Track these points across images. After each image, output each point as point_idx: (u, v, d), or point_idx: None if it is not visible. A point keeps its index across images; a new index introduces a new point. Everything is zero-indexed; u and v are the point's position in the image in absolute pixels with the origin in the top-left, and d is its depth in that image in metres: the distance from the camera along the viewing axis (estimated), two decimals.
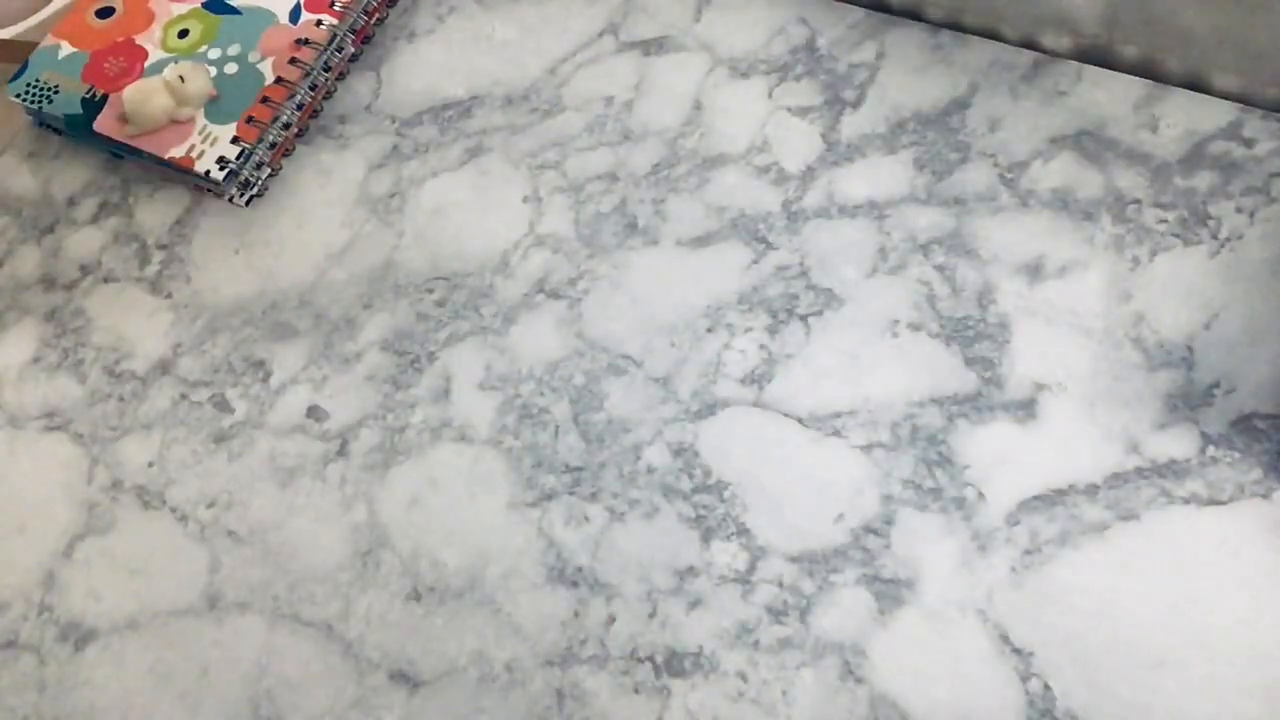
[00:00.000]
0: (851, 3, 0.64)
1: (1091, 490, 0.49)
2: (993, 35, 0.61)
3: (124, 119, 0.64)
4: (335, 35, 0.66)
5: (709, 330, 0.56)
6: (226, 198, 0.65)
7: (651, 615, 0.51)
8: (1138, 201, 0.54)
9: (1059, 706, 0.45)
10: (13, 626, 0.56)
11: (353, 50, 0.68)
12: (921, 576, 0.48)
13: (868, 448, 0.52)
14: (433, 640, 0.52)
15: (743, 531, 0.51)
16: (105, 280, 0.65)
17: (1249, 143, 0.54)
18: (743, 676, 0.49)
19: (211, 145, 0.63)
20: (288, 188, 0.65)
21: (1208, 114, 0.56)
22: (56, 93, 0.66)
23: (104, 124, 0.64)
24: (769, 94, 0.61)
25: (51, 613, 0.56)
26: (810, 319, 0.56)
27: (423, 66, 0.68)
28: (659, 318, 0.58)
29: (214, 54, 0.66)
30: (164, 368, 0.61)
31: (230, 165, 0.62)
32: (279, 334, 0.61)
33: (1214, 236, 0.53)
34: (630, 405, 0.55)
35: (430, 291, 0.60)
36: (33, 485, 0.60)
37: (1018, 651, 0.46)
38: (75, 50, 0.67)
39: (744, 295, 0.57)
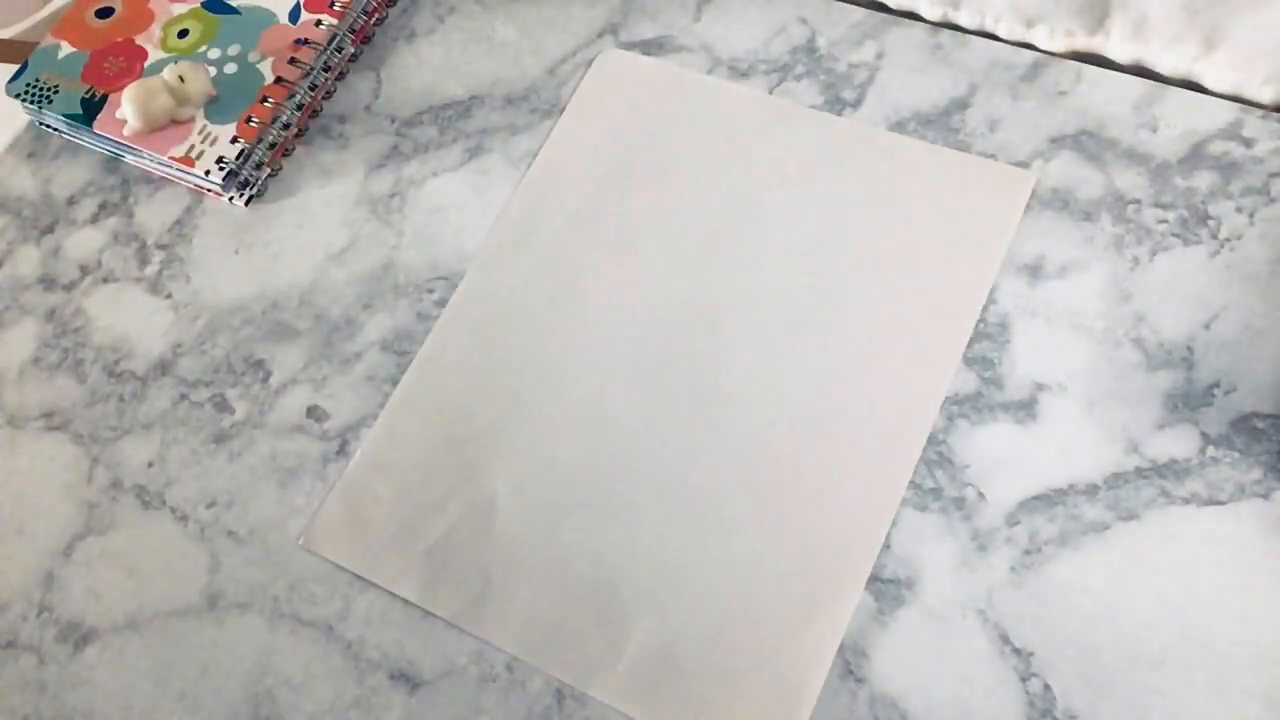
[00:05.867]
0: (851, 3, 0.64)
1: (1091, 490, 0.49)
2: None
3: (124, 119, 0.64)
4: (335, 35, 0.66)
5: None
6: (226, 198, 0.65)
7: None
8: (1138, 201, 0.54)
9: (1059, 706, 0.45)
10: (13, 626, 0.56)
11: (352, 50, 0.68)
12: (921, 576, 0.48)
13: None
14: (433, 640, 0.52)
15: None
16: (105, 280, 0.65)
17: (1249, 143, 0.54)
18: None
19: (211, 145, 0.63)
20: (288, 188, 0.65)
21: (1208, 114, 0.56)
22: (56, 93, 0.66)
23: (104, 124, 0.65)
24: (769, 94, 0.61)
25: (51, 613, 0.56)
26: None
27: (423, 66, 0.68)
28: None
29: (214, 54, 0.66)
30: (164, 368, 0.61)
31: (230, 165, 0.62)
32: (279, 334, 0.61)
33: (1214, 236, 0.53)
34: None
35: (430, 291, 0.60)
36: (33, 485, 0.60)
37: (1018, 651, 0.46)
38: (75, 50, 0.67)
39: None
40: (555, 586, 0.51)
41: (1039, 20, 0.59)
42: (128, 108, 0.63)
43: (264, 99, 0.64)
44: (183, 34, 0.67)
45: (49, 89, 0.66)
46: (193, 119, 0.64)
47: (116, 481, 0.59)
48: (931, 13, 0.62)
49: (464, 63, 0.67)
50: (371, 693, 0.51)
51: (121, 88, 0.65)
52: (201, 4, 0.68)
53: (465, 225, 0.62)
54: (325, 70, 0.66)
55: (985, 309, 0.53)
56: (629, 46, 0.65)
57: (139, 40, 0.67)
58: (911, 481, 0.50)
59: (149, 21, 0.68)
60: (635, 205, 0.59)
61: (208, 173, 0.62)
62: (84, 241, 0.67)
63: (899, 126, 0.59)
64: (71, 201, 0.68)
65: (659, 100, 0.62)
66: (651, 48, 0.65)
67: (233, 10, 0.67)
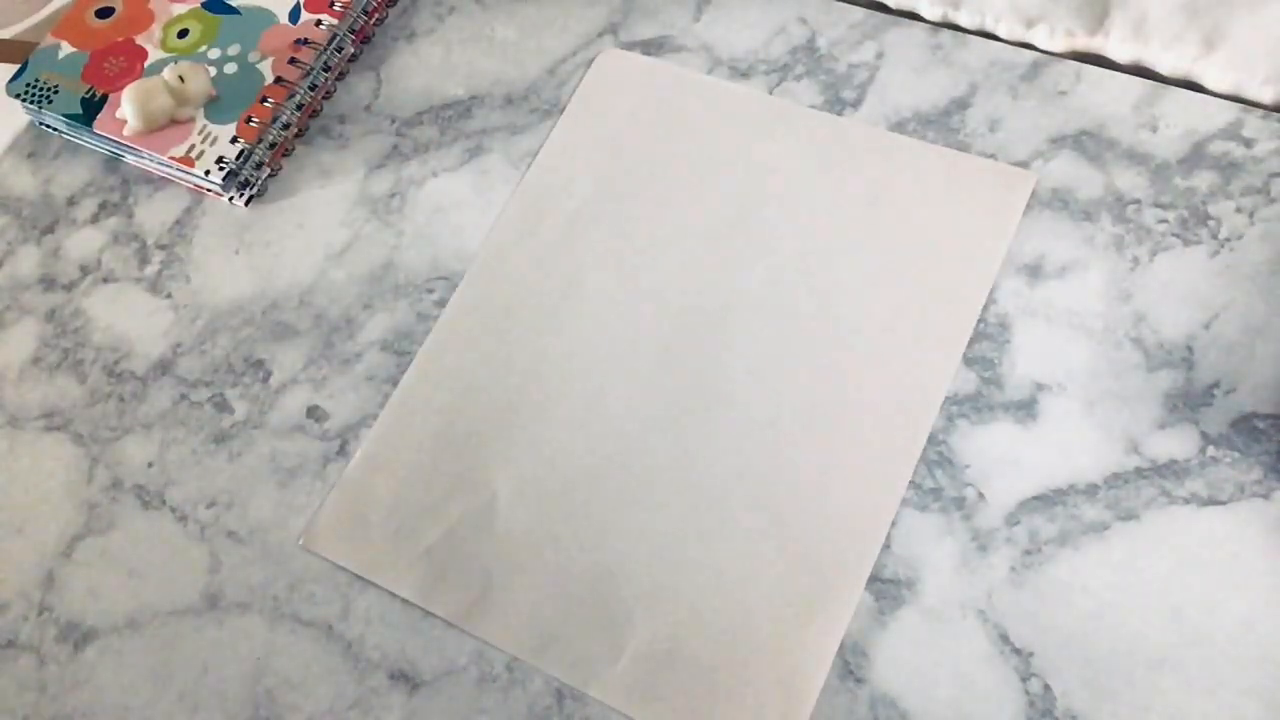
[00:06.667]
0: (851, 3, 0.64)
1: (1091, 490, 0.49)
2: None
3: (124, 119, 0.64)
4: (335, 35, 0.66)
5: None
6: (226, 198, 0.65)
7: None
8: (1138, 201, 0.54)
9: (1059, 706, 0.45)
10: (13, 626, 0.56)
11: (352, 50, 0.68)
12: (921, 576, 0.48)
13: None
14: (433, 640, 0.52)
15: None
16: (105, 280, 0.65)
17: (1249, 143, 0.54)
18: None
19: (211, 145, 0.63)
20: (288, 188, 0.66)
21: (1208, 114, 0.56)
22: (56, 93, 0.66)
23: (104, 124, 0.65)
24: (769, 94, 0.61)
25: (51, 613, 0.56)
26: None
27: (423, 66, 0.68)
28: None
29: (214, 54, 0.66)
30: (164, 368, 0.61)
31: (230, 165, 0.62)
32: (279, 334, 0.61)
33: (1214, 236, 0.53)
34: None
35: (430, 291, 0.60)
36: (33, 485, 0.60)
37: (1018, 651, 0.46)
38: (75, 50, 0.67)
39: None
40: (555, 586, 0.51)
41: (1039, 20, 0.59)
42: (128, 108, 0.63)
43: (264, 99, 0.64)
44: (183, 34, 0.67)
45: (49, 89, 0.66)
46: (193, 119, 0.64)
47: (116, 481, 0.59)
48: (931, 13, 0.62)
49: (464, 63, 0.67)
50: (371, 693, 0.51)
51: (121, 88, 0.65)
52: (201, 4, 0.68)
53: (465, 225, 0.62)
54: (325, 70, 0.67)
55: (985, 309, 0.53)
56: (629, 46, 0.65)
57: (139, 40, 0.67)
58: (911, 481, 0.50)
59: (149, 21, 0.68)
60: (635, 205, 0.59)
61: (208, 173, 0.62)
62: (84, 241, 0.67)
63: (899, 126, 0.59)
64: (71, 201, 0.68)
65: (659, 100, 0.62)
66: (651, 48, 0.65)
67: (233, 10, 0.67)
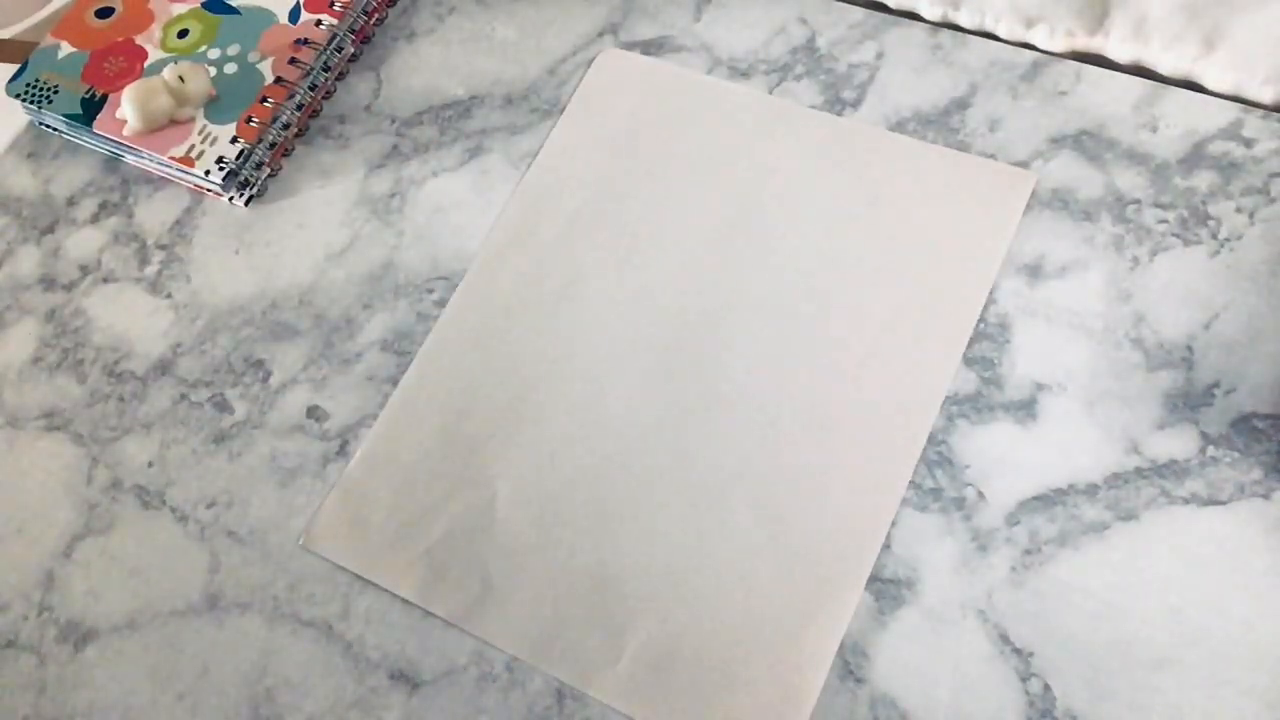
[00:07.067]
0: (851, 3, 0.64)
1: (1091, 490, 0.49)
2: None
3: (124, 119, 0.64)
4: (335, 35, 0.66)
5: None
6: (226, 198, 0.65)
7: None
8: (1138, 201, 0.54)
9: (1059, 706, 0.45)
10: (13, 626, 0.56)
11: (352, 50, 0.68)
12: (921, 576, 0.48)
13: None
14: (433, 640, 0.52)
15: None
16: (105, 280, 0.65)
17: (1249, 143, 0.54)
18: None
19: (211, 145, 0.63)
20: (288, 188, 0.65)
21: (1208, 114, 0.56)
22: (56, 93, 0.66)
23: (104, 124, 0.65)
24: (769, 94, 0.61)
25: (51, 613, 0.56)
26: None
27: (423, 66, 0.68)
28: None
29: (214, 54, 0.66)
30: (164, 368, 0.61)
31: (230, 165, 0.62)
32: (279, 334, 0.61)
33: (1214, 236, 0.53)
34: None
35: (430, 291, 0.60)
36: (33, 485, 0.60)
37: (1018, 651, 0.46)
38: (75, 50, 0.67)
39: None
40: (555, 586, 0.51)
41: (1039, 20, 0.59)
42: (128, 108, 0.63)
43: (264, 99, 0.64)
44: (183, 34, 0.67)
45: (49, 89, 0.66)
46: (193, 119, 0.64)
47: (116, 481, 0.59)
48: (931, 13, 0.62)
49: (464, 63, 0.67)
50: (371, 693, 0.51)
51: (121, 88, 0.65)
52: (201, 4, 0.68)
53: (465, 225, 0.62)
54: (325, 70, 0.66)
55: (985, 309, 0.53)
56: (629, 46, 0.65)
57: (139, 40, 0.67)
58: (911, 481, 0.50)
59: (149, 21, 0.68)
60: (635, 205, 0.59)
61: (208, 173, 0.62)
62: (84, 241, 0.67)
63: (899, 126, 0.59)
64: (71, 201, 0.68)
65: (659, 100, 0.62)
66: (651, 48, 0.65)
67: (233, 10, 0.67)
